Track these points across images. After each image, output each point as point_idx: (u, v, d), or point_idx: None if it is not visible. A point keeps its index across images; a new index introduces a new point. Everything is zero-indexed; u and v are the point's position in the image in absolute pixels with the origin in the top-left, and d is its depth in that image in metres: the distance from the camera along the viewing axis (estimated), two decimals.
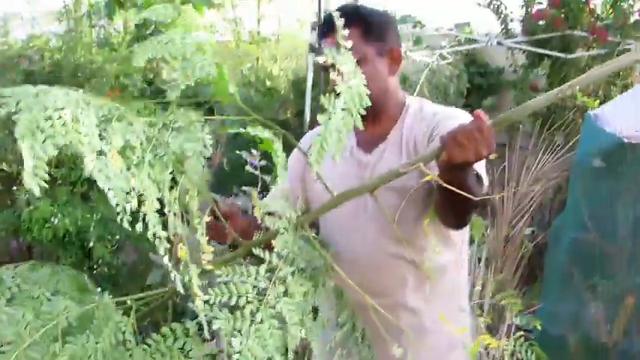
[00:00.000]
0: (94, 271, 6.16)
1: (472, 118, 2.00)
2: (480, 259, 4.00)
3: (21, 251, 7.59)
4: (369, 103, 1.69)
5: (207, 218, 1.75)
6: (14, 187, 6.87)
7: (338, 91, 2.11)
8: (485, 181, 2.04)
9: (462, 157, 1.66)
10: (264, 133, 1.70)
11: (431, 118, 2.21)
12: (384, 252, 2.23)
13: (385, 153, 2.23)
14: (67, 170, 7.33)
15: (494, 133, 1.67)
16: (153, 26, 7.78)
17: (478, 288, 3.92)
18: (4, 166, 7.19)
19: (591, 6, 6.16)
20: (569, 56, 6.03)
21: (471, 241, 4.12)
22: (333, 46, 2.11)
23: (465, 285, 2.45)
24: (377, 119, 2.23)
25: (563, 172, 4.84)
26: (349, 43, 2.00)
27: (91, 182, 7.31)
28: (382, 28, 2.26)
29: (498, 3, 6.60)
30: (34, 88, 1.19)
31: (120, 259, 5.92)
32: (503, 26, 6.60)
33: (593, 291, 3.81)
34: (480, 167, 2.01)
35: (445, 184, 1.69)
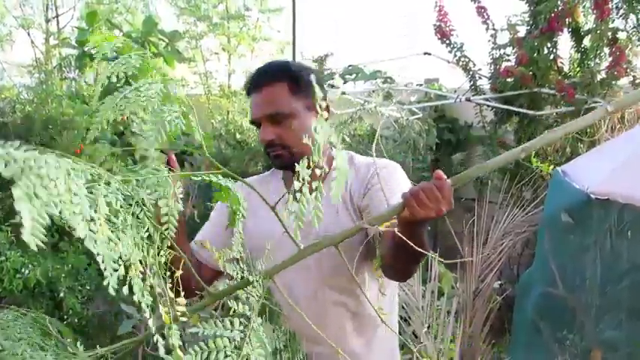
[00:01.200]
0: (65, 322, 6.11)
1: (398, 168, 2.13)
2: (449, 312, 4.01)
3: None
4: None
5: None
6: None
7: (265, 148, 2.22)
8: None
9: (423, 214, 1.70)
10: (227, 183, 1.75)
11: (365, 169, 2.29)
12: (325, 300, 2.27)
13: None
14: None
15: (452, 191, 1.72)
16: (124, 79, 7.76)
17: (448, 339, 3.93)
18: None
19: (559, 64, 6.26)
20: (537, 113, 6.11)
21: (440, 294, 4.14)
22: (260, 101, 2.21)
23: (396, 328, 2.52)
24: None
25: (532, 227, 4.89)
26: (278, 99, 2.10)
27: (61, 233, 7.28)
28: (309, 84, 2.30)
29: (467, 60, 6.68)
30: (28, 153, 1.19)
31: (90, 309, 5.88)
32: (471, 83, 6.67)
33: (561, 345, 3.82)
34: None
35: (406, 239, 1.72)
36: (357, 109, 7.48)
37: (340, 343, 2.26)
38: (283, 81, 2.27)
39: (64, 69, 8.84)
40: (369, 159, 2.33)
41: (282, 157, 2.28)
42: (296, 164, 2.08)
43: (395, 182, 2.18)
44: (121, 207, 1.39)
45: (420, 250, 1.74)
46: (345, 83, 6.86)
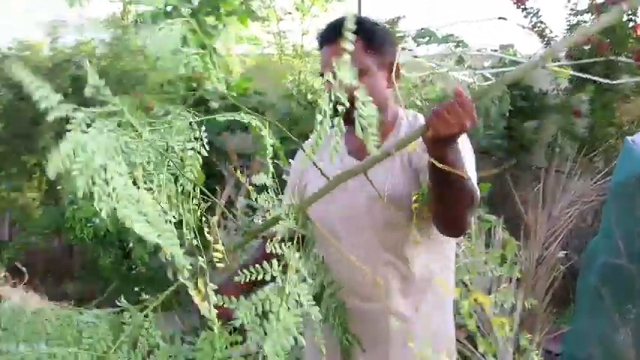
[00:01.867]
0: (133, 272, 6.25)
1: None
2: (510, 279, 3.97)
3: (63, 250, 7.72)
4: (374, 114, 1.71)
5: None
6: (59, 187, 6.99)
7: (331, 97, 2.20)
8: (474, 180, 2.09)
9: (446, 130, 1.71)
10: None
11: None
12: (374, 258, 2.26)
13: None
14: None
15: (473, 106, 1.71)
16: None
17: (507, 306, 3.90)
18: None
19: (638, 32, 6.10)
20: (613, 82, 5.97)
21: (503, 261, 4.10)
22: (332, 55, 2.18)
23: (451, 296, 2.47)
24: None
25: (600, 197, 4.80)
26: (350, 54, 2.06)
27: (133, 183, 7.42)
28: (383, 42, 2.31)
29: (543, 26, 6.55)
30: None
31: (157, 261, 6.00)
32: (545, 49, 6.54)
33: (622, 316, 3.76)
34: (470, 168, 2.06)
35: (436, 163, 1.77)
36: (429, 72, 7.41)
37: (387, 303, 2.27)
38: (357, 35, 2.25)
39: (139, 24, 8.93)
40: None
41: (346, 113, 2.27)
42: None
43: (466, 152, 2.16)
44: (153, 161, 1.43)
45: (455, 173, 1.79)
46: (417, 46, 6.79)
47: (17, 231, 7.53)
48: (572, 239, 5.02)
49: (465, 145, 2.20)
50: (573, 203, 4.51)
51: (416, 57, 6.89)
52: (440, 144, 1.77)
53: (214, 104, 7.74)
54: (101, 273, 6.64)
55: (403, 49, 6.99)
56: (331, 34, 2.29)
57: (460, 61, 6.81)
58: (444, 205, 1.99)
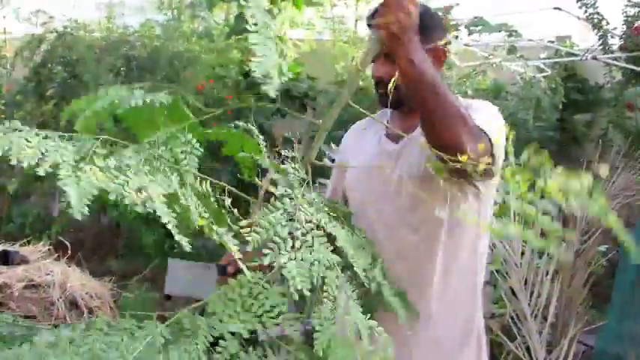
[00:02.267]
0: (175, 250, 6.32)
1: (493, 108, 2.07)
2: (547, 272, 3.93)
3: (110, 228, 7.86)
4: None
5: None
6: None
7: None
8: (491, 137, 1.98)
9: (387, 33, 1.75)
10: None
11: None
12: (401, 239, 2.24)
13: (410, 143, 2.22)
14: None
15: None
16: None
17: (542, 298, 3.86)
18: None
19: None
20: None
21: (542, 253, 4.05)
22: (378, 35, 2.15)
23: (479, 284, 2.44)
24: (411, 113, 2.24)
25: None
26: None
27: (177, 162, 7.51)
28: (428, 26, 2.23)
29: (600, 17, 6.44)
30: None
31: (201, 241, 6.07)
32: (601, 41, 6.42)
33: None
34: (486, 122, 2.01)
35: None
36: (481, 62, 7.34)
37: (414, 284, 2.25)
38: None
39: (194, 7, 8.99)
40: (468, 101, 2.27)
41: (387, 97, 2.26)
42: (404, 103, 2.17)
43: (484, 113, 2.11)
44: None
45: (428, 84, 1.81)
46: (470, 35, 6.72)
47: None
48: (610, 233, 4.92)
49: (494, 114, 2.16)
50: (615, 197, 4.43)
51: (468, 45, 6.83)
52: (393, 49, 1.79)
53: (265, 88, 7.78)
54: (144, 251, 6.74)
55: (456, 37, 6.93)
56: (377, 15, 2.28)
57: (512, 50, 6.73)
58: (424, 118, 1.90)
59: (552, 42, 7.69)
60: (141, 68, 7.34)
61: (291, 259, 1.48)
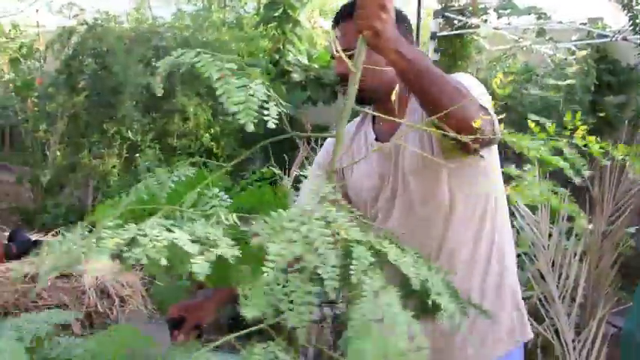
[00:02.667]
0: None
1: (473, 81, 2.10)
2: (575, 253, 3.91)
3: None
4: None
5: None
6: (137, 155, 7.17)
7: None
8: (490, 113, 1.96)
9: (360, 25, 1.70)
10: None
11: None
12: (414, 232, 2.23)
13: (402, 139, 2.22)
14: (187, 141, 7.61)
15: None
16: (281, 9, 7.91)
17: (570, 280, 3.85)
18: (130, 135, 7.53)
19: None
20: None
21: (570, 235, 4.04)
22: (345, 32, 2.17)
23: (509, 255, 2.39)
24: (389, 109, 2.24)
25: None
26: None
27: (209, 153, 7.56)
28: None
29: None
30: None
31: None
32: (631, 22, 6.36)
33: None
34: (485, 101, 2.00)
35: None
36: (511, 46, 7.32)
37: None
38: None
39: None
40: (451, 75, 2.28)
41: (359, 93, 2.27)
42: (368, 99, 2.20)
43: (472, 84, 2.10)
44: None
45: (420, 71, 1.81)
46: (499, 18, 6.71)
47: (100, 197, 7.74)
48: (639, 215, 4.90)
49: (468, 79, 2.15)
50: None
51: (497, 29, 6.81)
52: (379, 47, 1.76)
53: (295, 76, 7.82)
54: None
55: (484, 21, 6.91)
56: (338, 16, 2.26)
57: (541, 33, 6.70)
58: (429, 107, 1.89)
59: (584, 24, 7.63)
60: None
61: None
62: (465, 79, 2.11)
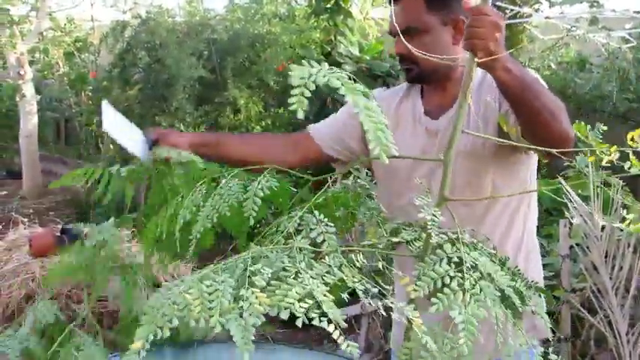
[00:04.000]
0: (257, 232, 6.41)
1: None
2: (629, 244, 3.87)
3: None
4: None
5: None
6: None
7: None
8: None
9: (482, 52, 1.70)
10: None
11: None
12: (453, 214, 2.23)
13: (450, 121, 2.22)
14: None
15: (493, 19, 1.70)
16: (333, 0, 7.93)
17: (624, 271, 3.81)
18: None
19: None
20: None
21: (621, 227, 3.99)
22: (396, 16, 2.19)
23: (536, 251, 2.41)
24: (443, 87, 2.28)
25: None
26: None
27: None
28: None
29: None
30: None
31: None
32: None
33: None
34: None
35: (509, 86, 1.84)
36: (563, 35, 7.23)
37: None
38: None
39: None
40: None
41: (412, 72, 2.29)
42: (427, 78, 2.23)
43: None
44: None
45: (526, 87, 1.84)
46: (551, 7, 6.64)
47: None
48: None
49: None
50: None
51: (549, 18, 6.74)
52: (490, 66, 1.77)
53: (347, 68, 7.83)
54: (227, 232, 6.82)
55: (536, 10, 6.84)
56: None
57: (594, 22, 6.61)
58: (530, 120, 1.92)
59: (638, 12, 7.52)
60: (223, 51, 7.46)
61: (460, 314, 1.38)
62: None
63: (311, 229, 1.66)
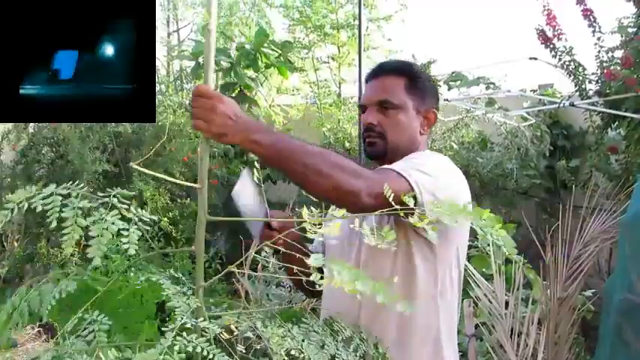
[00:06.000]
0: None
1: (434, 156, 2.25)
2: (532, 320, 3.92)
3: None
4: None
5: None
6: None
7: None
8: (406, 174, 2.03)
9: (194, 123, 1.79)
10: None
11: None
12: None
13: None
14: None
15: (212, 103, 1.76)
16: (238, 89, 8.01)
17: (529, 348, 3.85)
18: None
19: None
20: None
21: (527, 301, 4.05)
22: (374, 87, 2.27)
23: (449, 326, 2.38)
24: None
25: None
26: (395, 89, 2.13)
27: (168, 237, 7.53)
28: (425, 89, 2.40)
29: (575, 64, 6.48)
30: None
31: None
32: (577, 87, 6.47)
33: None
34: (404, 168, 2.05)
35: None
36: (463, 116, 7.42)
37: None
38: (402, 76, 2.36)
39: (183, 80, 9.14)
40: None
41: (375, 146, 2.35)
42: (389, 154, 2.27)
43: (418, 159, 2.20)
44: None
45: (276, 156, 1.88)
46: (449, 90, 6.81)
47: None
48: (594, 277, 4.95)
49: (432, 161, 2.23)
50: (593, 240, 4.42)
51: (447, 100, 6.90)
52: (226, 142, 1.84)
53: (253, 156, 7.86)
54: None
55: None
56: (379, 70, 2.42)
57: (491, 102, 6.79)
58: (297, 181, 1.97)
59: (534, 91, 7.76)
60: (127, 144, 7.42)
61: None
62: (413, 156, 2.20)
63: None
